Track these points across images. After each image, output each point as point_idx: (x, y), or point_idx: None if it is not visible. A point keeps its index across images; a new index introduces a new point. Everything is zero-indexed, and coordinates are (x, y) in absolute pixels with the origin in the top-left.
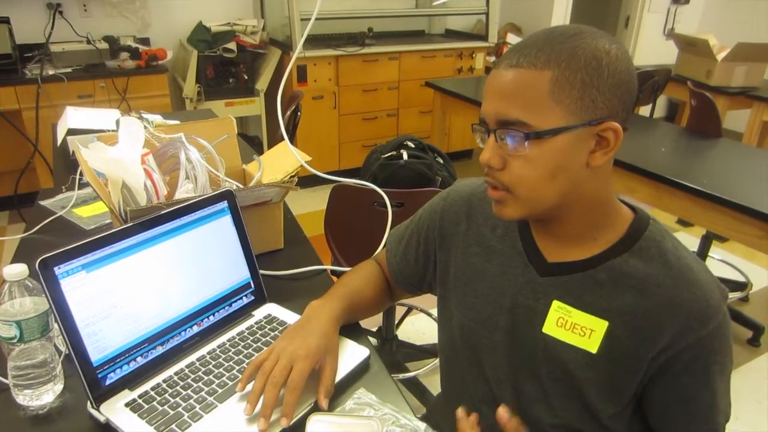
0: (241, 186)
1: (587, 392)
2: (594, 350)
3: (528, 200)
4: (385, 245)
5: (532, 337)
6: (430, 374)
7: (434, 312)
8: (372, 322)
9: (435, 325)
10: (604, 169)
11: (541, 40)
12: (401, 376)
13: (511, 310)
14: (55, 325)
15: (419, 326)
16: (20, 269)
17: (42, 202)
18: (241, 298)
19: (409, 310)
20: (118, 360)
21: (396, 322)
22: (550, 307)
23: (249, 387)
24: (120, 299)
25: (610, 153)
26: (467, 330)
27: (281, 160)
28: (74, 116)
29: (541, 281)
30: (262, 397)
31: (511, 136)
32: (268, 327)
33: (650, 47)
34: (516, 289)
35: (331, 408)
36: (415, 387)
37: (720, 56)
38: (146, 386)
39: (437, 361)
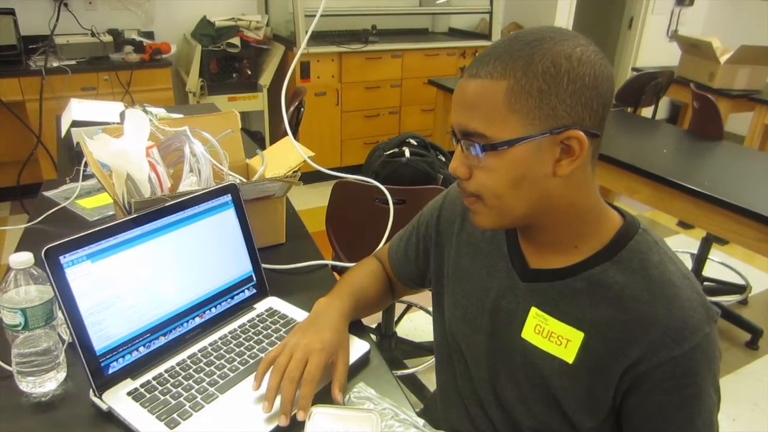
0: (245, 180)
1: (564, 401)
2: (570, 360)
3: (495, 208)
4: (386, 242)
5: (511, 341)
6: (428, 371)
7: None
8: (371, 319)
9: None
10: (581, 176)
11: (501, 48)
12: (400, 372)
13: (492, 312)
14: (60, 314)
15: (418, 324)
16: (26, 257)
17: (46, 193)
18: (243, 290)
19: (408, 307)
20: (121, 349)
21: (395, 319)
22: (528, 314)
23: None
24: (124, 289)
25: (577, 161)
26: (454, 328)
27: (284, 156)
28: (78, 108)
29: (522, 286)
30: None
31: (471, 147)
32: (270, 320)
33: (653, 49)
34: (499, 292)
35: (329, 401)
36: (413, 384)
37: (723, 59)
38: (148, 376)
39: None
